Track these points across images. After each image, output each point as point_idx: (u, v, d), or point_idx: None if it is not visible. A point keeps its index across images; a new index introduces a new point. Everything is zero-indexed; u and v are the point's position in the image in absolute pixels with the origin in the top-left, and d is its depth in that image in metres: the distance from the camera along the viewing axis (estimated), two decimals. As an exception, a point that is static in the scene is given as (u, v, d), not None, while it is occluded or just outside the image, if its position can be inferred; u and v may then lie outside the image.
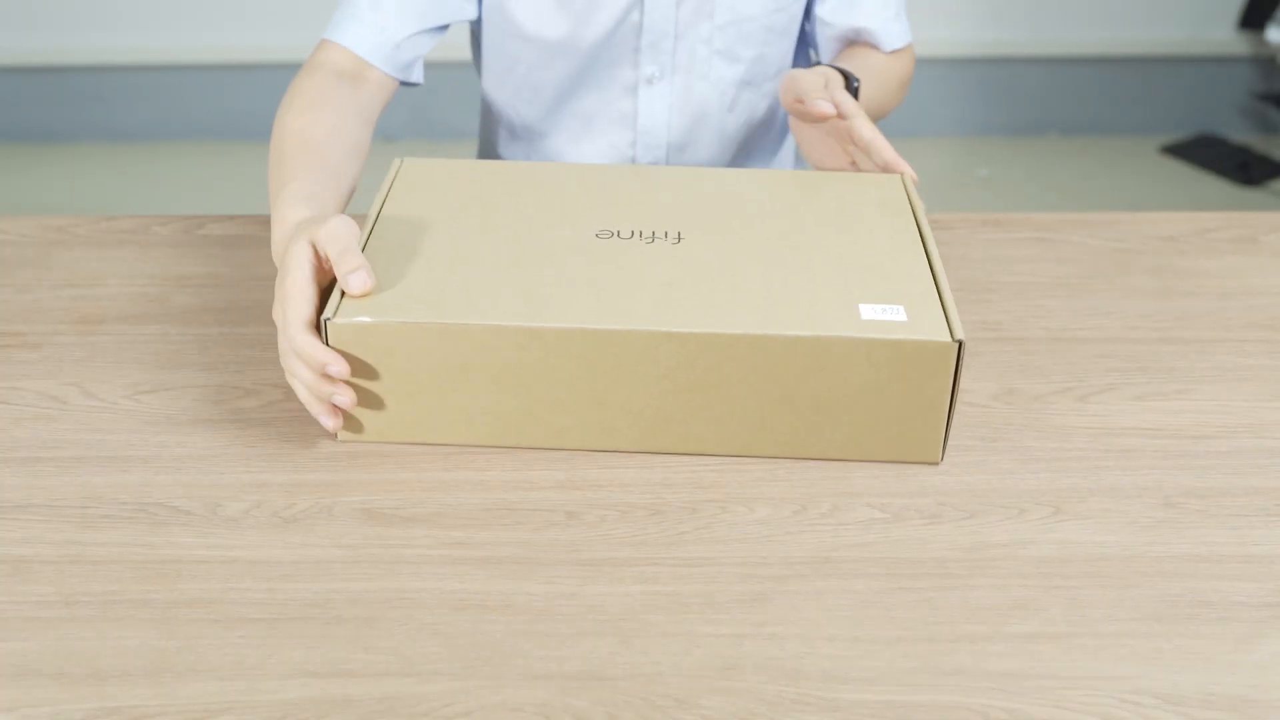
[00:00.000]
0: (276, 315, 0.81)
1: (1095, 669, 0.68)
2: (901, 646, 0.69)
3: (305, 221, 0.84)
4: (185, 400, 0.89)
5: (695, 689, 0.66)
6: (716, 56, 1.18)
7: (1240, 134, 3.02)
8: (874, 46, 1.20)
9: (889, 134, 1.00)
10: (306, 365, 0.79)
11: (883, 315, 0.79)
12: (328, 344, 0.79)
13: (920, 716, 0.65)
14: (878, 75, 1.16)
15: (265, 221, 1.13)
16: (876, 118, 1.15)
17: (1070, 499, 0.81)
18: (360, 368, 0.80)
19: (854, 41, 1.22)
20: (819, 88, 1.00)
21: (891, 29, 1.20)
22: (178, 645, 0.69)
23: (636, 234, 0.88)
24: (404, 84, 1.15)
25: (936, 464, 0.83)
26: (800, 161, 1.35)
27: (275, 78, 2.88)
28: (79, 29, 2.83)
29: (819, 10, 1.21)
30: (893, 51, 1.21)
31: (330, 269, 0.80)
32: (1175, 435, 0.87)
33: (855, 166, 1.02)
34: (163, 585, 0.73)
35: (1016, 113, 3.01)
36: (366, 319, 0.79)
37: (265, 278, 1.05)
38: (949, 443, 0.83)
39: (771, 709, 0.65)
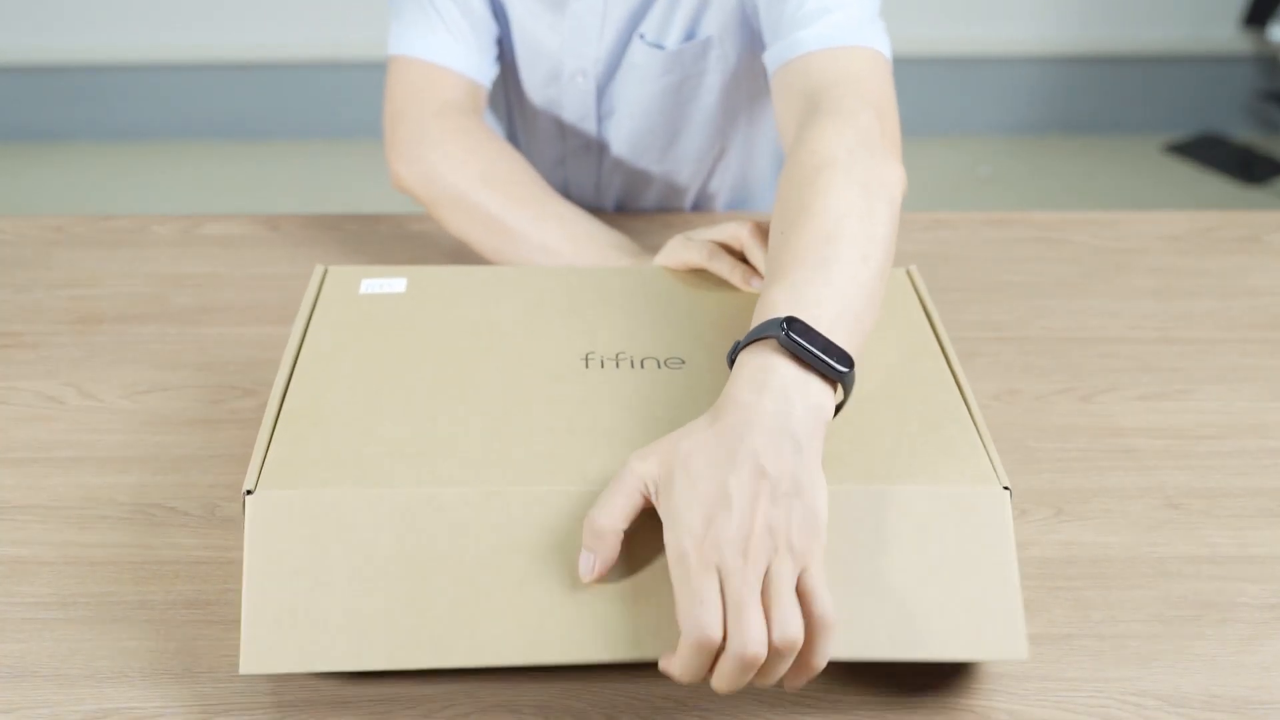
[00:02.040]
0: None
1: (1097, 670, 0.68)
2: (902, 648, 0.69)
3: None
4: (183, 400, 0.89)
5: (695, 689, 0.66)
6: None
7: (1243, 133, 3.02)
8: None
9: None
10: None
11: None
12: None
13: (921, 717, 0.65)
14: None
15: (263, 221, 1.13)
16: None
17: (1072, 499, 0.80)
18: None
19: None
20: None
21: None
22: (176, 647, 0.68)
23: (626, 360, 0.74)
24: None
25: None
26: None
27: (275, 78, 2.91)
28: (79, 29, 2.83)
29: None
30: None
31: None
32: (1177, 435, 0.87)
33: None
34: (160, 586, 0.72)
35: (1018, 111, 3.01)
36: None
37: (263, 277, 1.04)
38: None
39: (771, 709, 0.65)
